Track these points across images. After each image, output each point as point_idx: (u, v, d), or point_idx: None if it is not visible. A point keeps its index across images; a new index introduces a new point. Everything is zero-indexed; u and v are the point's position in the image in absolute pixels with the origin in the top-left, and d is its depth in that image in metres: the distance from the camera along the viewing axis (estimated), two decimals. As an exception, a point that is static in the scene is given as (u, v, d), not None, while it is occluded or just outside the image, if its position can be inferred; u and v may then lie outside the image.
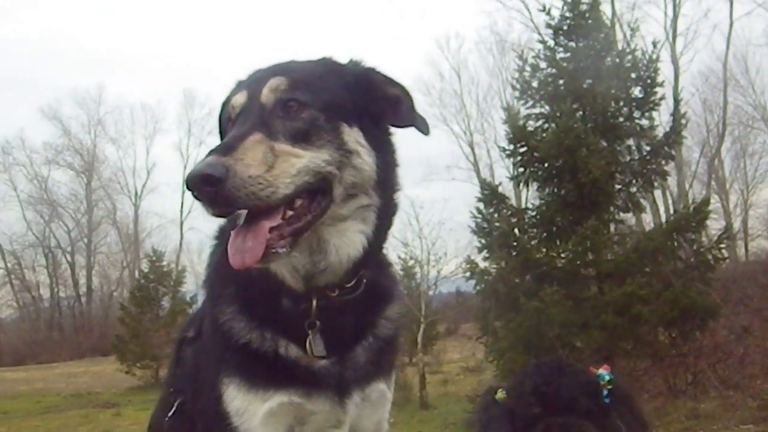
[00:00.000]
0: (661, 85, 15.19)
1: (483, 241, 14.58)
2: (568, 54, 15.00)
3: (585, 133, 13.71)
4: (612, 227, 14.88)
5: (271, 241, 2.16)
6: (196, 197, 2.12)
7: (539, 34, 32.17)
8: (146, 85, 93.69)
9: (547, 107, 15.09)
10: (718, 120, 42.42)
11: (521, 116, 15.35)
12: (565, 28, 14.90)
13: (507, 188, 21.90)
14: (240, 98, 2.41)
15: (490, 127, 50.53)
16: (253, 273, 2.32)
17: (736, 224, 40.98)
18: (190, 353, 2.71)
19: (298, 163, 2.24)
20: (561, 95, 14.52)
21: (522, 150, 14.72)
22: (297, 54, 2.61)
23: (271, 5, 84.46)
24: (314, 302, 2.40)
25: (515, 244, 14.16)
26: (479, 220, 14.59)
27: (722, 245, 14.37)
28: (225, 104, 2.54)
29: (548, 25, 15.20)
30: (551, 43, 15.23)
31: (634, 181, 14.62)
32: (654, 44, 15.01)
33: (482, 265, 14.75)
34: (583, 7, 14.73)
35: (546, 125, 15.07)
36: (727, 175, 46.96)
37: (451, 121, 49.36)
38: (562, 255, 13.93)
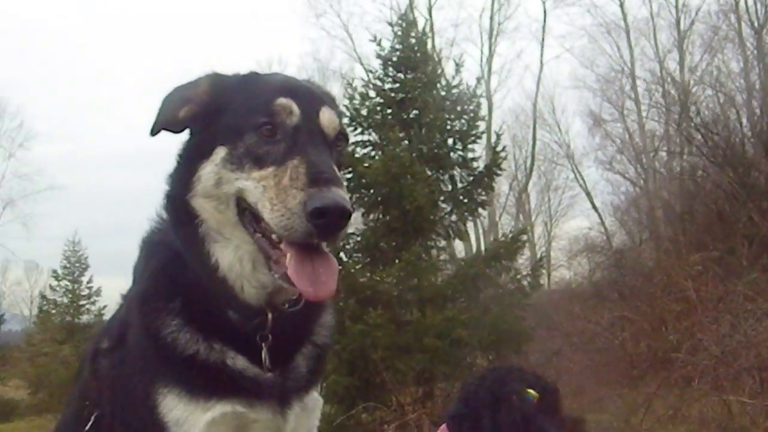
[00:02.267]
0: (483, 119, 15.93)
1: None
2: (397, 85, 15.42)
3: (411, 162, 14.10)
4: (434, 253, 15.34)
5: None
6: (319, 225, 2.10)
7: (362, 64, 33.11)
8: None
9: (375, 135, 15.46)
10: (526, 155, 44.66)
11: (349, 143, 15.60)
12: (395, 59, 15.33)
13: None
14: (295, 108, 2.34)
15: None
16: (203, 286, 2.37)
17: (539, 255, 42.92)
18: (107, 365, 2.60)
19: None
20: (389, 124, 14.90)
21: (349, 176, 14.98)
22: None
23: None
24: (269, 316, 2.42)
25: (341, 268, 14.28)
26: (305, 243, 14.69)
27: (537, 273, 15.15)
28: (261, 106, 2.38)
29: (378, 56, 15.57)
30: (380, 73, 15.62)
31: (455, 210, 15.18)
32: (478, 80, 15.73)
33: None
34: (412, 41, 15.24)
35: (373, 152, 15.43)
36: (533, 208, 49.35)
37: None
38: (387, 279, 14.19)
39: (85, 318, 31.12)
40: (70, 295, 31.41)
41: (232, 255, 2.37)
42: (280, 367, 2.49)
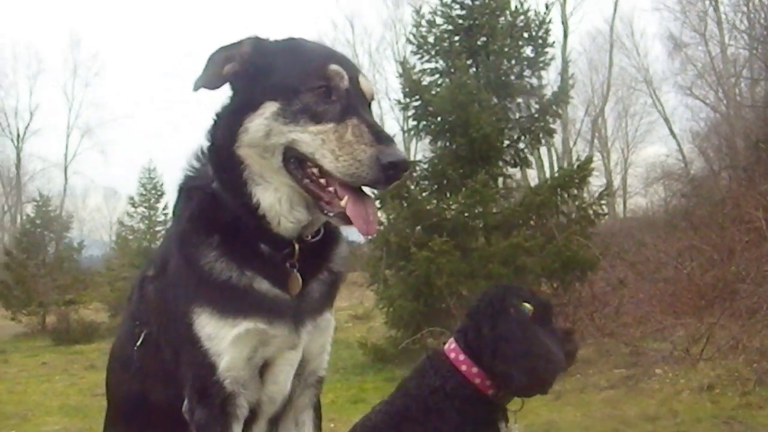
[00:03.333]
0: (552, 45, 15.69)
1: (375, 191, 14.78)
2: (464, 11, 15.30)
3: (478, 90, 14.10)
4: (500, 181, 15.38)
5: None
6: (390, 176, 2.47)
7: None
8: (29, 24, 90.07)
9: (442, 62, 15.43)
10: (602, 80, 43.89)
11: (416, 70, 15.62)
12: (461, -17, 15.18)
13: (397, 140, 22.20)
14: (344, 74, 2.66)
15: (381, 78, 50.91)
16: (238, 224, 2.74)
17: (616, 182, 42.57)
18: (153, 290, 2.98)
19: None
20: (456, 51, 14.85)
21: (416, 104, 15.04)
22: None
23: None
24: (296, 247, 2.78)
25: (407, 195, 14.48)
26: (372, 170, 14.75)
27: (603, 201, 15.08)
28: (315, 69, 2.67)
29: (444, -18, 15.42)
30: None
31: (522, 138, 15.15)
32: (546, 6, 15.45)
33: (374, 216, 14.99)
34: (480, -33, 15.03)
35: (440, 80, 15.43)
36: (609, 134, 48.59)
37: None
38: (452, 207, 14.32)
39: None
40: (146, 221, 32.22)
41: (272, 196, 2.70)
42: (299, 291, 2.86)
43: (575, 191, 14.63)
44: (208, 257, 2.76)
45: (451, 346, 3.52)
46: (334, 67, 2.64)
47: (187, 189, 2.99)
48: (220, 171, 2.78)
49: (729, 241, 14.43)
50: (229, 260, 2.75)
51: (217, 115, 2.84)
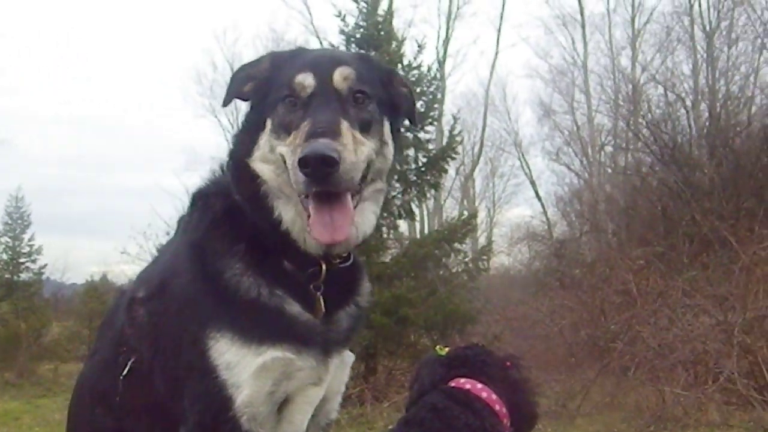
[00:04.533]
0: (440, 101, 16.06)
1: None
2: (358, 62, 15.44)
3: (368, 140, 14.21)
4: (384, 231, 15.48)
5: None
6: (307, 173, 2.31)
7: (318, 38, 33.00)
8: None
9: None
10: (474, 141, 44.90)
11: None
12: (358, 36, 15.32)
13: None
14: (309, 80, 2.57)
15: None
16: (263, 237, 2.60)
17: (482, 240, 43.39)
18: (145, 312, 2.72)
19: (365, 151, 2.52)
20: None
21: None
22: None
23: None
24: (323, 267, 2.61)
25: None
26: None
27: (484, 257, 15.41)
28: (287, 81, 2.62)
29: (341, 31, 15.53)
30: (342, 49, 15.62)
31: (408, 190, 15.32)
32: (439, 63, 15.85)
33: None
34: (378, 19, 15.25)
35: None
36: (477, 193, 49.74)
37: (220, 112, 49.04)
38: (336, 255, 14.30)
39: (24, 275, 30.58)
40: (10, 252, 30.83)
41: (293, 211, 2.57)
42: (326, 318, 2.67)
43: (457, 245, 14.89)
44: (233, 269, 2.57)
45: (477, 386, 3.49)
46: (299, 77, 2.58)
47: (204, 196, 2.84)
48: (238, 183, 2.67)
49: (600, 302, 14.98)
50: (256, 275, 2.57)
51: (242, 123, 2.82)
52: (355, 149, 2.42)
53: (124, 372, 2.69)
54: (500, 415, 3.41)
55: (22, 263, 29.86)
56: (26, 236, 30.81)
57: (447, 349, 3.71)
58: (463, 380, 3.49)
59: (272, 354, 2.50)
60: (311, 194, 2.40)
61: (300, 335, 2.57)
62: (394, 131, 2.81)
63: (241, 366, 2.46)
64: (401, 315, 13.27)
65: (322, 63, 2.65)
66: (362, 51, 2.96)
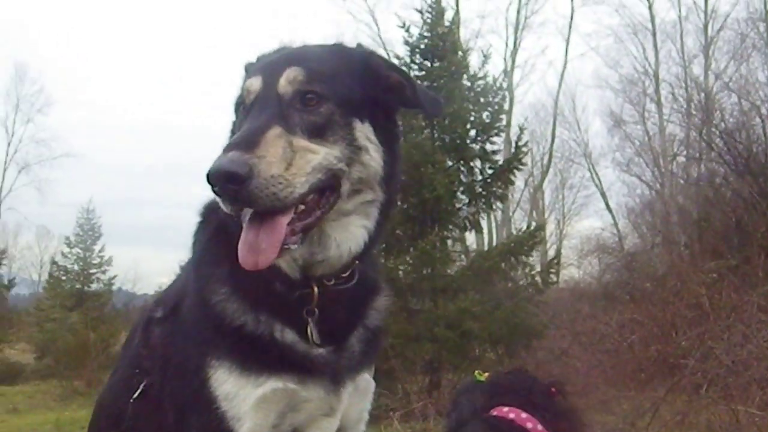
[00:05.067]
0: (506, 112, 15.89)
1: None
2: (423, 72, 15.39)
3: (433, 151, 14.11)
4: (449, 244, 15.36)
5: (284, 237, 2.17)
6: (215, 192, 2.11)
7: (385, 50, 33.00)
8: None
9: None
10: (543, 152, 44.54)
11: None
12: (422, 47, 15.29)
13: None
14: (255, 84, 2.38)
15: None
16: None
17: (551, 252, 42.88)
18: (160, 334, 2.60)
19: (314, 159, 2.25)
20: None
21: (370, 160, 14.98)
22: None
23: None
24: (315, 290, 2.41)
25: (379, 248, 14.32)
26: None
27: (551, 270, 15.15)
28: (241, 89, 2.49)
29: (406, 42, 15.51)
30: (407, 59, 15.57)
31: (473, 202, 15.17)
32: (504, 73, 15.72)
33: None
34: (442, 30, 15.19)
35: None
36: (546, 205, 49.27)
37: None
38: (401, 267, 14.23)
39: (94, 286, 31.16)
40: (81, 263, 31.49)
41: None
42: (334, 345, 2.49)
43: (524, 258, 14.69)
44: (219, 294, 2.41)
45: (522, 415, 3.30)
46: (248, 81, 2.42)
47: (206, 212, 2.70)
48: None
49: (671, 317, 14.56)
50: (240, 299, 2.39)
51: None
52: (290, 160, 2.17)
53: (135, 395, 2.57)
54: None
55: (93, 274, 30.50)
56: (97, 247, 31.61)
57: (486, 374, 3.51)
58: (506, 409, 3.30)
59: (273, 385, 2.35)
60: (251, 216, 2.22)
61: (302, 364, 2.41)
62: (384, 133, 2.51)
63: (240, 397, 2.33)
64: (465, 329, 13.12)
65: (276, 65, 2.43)
66: (337, 43, 2.61)
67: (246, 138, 2.16)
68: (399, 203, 14.54)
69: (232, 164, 2.05)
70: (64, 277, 31.66)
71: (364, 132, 2.43)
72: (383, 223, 2.56)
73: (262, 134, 2.18)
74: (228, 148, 2.11)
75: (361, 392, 2.67)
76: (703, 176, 26.25)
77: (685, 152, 34.57)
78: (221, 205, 2.17)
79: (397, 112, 2.65)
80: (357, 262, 2.51)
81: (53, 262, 34.23)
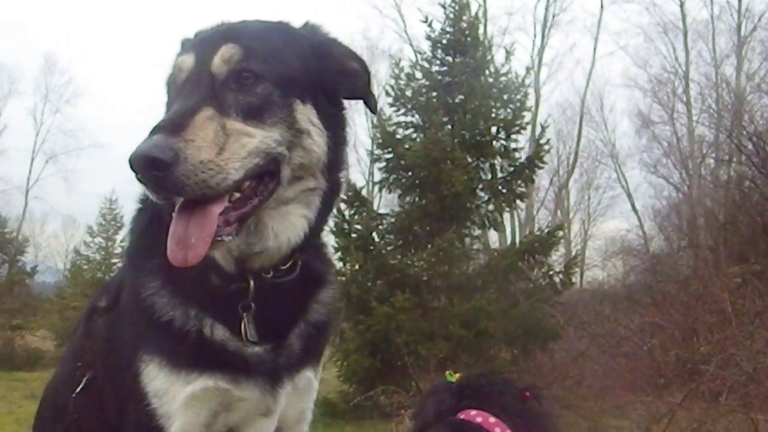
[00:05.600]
0: (529, 110, 15.68)
1: (340, 241, 14.46)
2: (444, 68, 15.27)
3: (452, 147, 13.95)
4: (467, 242, 15.19)
5: (217, 228, 2.01)
6: (139, 180, 1.93)
7: (411, 45, 32.91)
8: (3, 44, 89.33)
9: (417, 117, 15.30)
10: (569, 151, 44.14)
11: (391, 123, 15.45)
12: (444, 42, 15.19)
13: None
14: (187, 62, 2.20)
15: (350, 130, 50.82)
16: None
17: (575, 253, 42.60)
18: (102, 325, 2.47)
19: (250, 143, 2.07)
20: (433, 107, 14.73)
21: (388, 156, 14.86)
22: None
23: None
24: (251, 283, 2.25)
25: (372, 248, 14.23)
26: (338, 220, 14.50)
27: (571, 271, 14.94)
28: (172, 67, 2.31)
29: (428, 37, 15.40)
30: (429, 54, 15.43)
31: (493, 200, 14.99)
32: (527, 70, 15.49)
33: (337, 266, 14.68)
34: (464, 25, 15.03)
35: (415, 135, 15.30)
36: (571, 205, 48.89)
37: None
38: (417, 263, 14.09)
39: (115, 275, 31.38)
40: (103, 252, 31.65)
41: None
42: (272, 342, 2.34)
43: (542, 258, 14.50)
44: (149, 288, 2.27)
45: (490, 420, 3.12)
46: (179, 58, 2.24)
47: (144, 199, 2.51)
48: None
49: (692, 321, 14.29)
50: (170, 294, 2.25)
51: None
52: (222, 144, 1.98)
53: (78, 389, 2.44)
54: None
55: (114, 263, 30.57)
56: (118, 237, 31.62)
57: (458, 375, 3.31)
58: (473, 412, 3.12)
59: (203, 383, 2.21)
60: (181, 205, 2.04)
61: (235, 363, 2.25)
62: (328, 117, 2.31)
63: (170, 395, 2.20)
64: (480, 328, 12.97)
65: (210, 41, 2.24)
66: (281, 21, 2.46)
67: (173, 120, 1.98)
68: (417, 199, 14.41)
69: (155, 149, 1.88)
70: (85, 266, 31.82)
71: (306, 114, 2.24)
72: (325, 212, 2.37)
73: (191, 116, 1.99)
74: (153, 132, 1.94)
75: (301, 391, 2.50)
76: (732, 179, 25.91)
77: (714, 154, 34.15)
78: (148, 193, 2.00)
79: (342, 97, 2.45)
80: (297, 253, 2.33)
81: (75, 251, 34.41)
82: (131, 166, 1.90)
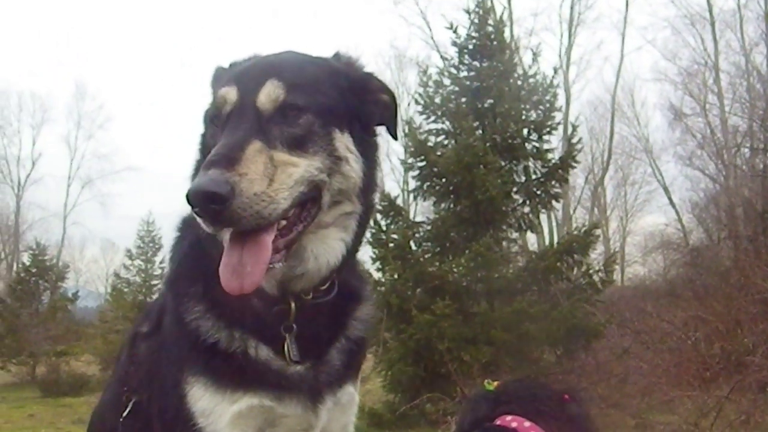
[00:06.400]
0: (559, 110, 15.67)
1: (377, 251, 14.53)
2: (472, 73, 15.30)
3: (484, 152, 13.96)
4: (505, 245, 15.20)
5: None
6: (197, 213, 2.04)
7: (438, 52, 32.93)
8: (35, 74, 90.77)
9: (448, 124, 15.35)
10: (603, 149, 43.98)
11: (422, 131, 15.51)
12: (470, 47, 15.21)
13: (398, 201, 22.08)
14: (231, 94, 2.28)
15: (383, 140, 50.97)
16: None
17: (614, 250, 42.37)
18: (146, 350, 2.59)
19: (296, 173, 2.17)
20: (462, 113, 14.75)
21: (421, 164, 14.91)
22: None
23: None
24: (292, 305, 2.36)
25: (409, 256, 14.28)
26: (375, 231, 14.57)
27: (610, 268, 14.90)
28: (213, 98, 2.41)
29: (454, 43, 15.43)
30: (455, 61, 15.48)
31: (527, 202, 15.00)
32: (555, 70, 15.49)
33: (375, 276, 14.75)
34: (489, 29, 15.07)
35: (446, 141, 15.35)
36: (608, 202, 48.60)
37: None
38: (455, 270, 14.11)
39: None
40: (142, 274, 31.95)
41: None
42: (313, 360, 2.44)
43: (580, 257, 14.47)
44: (193, 312, 2.38)
45: (525, 424, 3.19)
46: (222, 90, 2.31)
47: (183, 226, 2.65)
48: None
49: (735, 313, 14.19)
50: (215, 317, 2.36)
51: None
52: (272, 175, 2.09)
53: (125, 414, 2.56)
54: None
55: (154, 285, 30.85)
56: (157, 259, 31.92)
57: (496, 383, 3.38)
58: (509, 417, 3.18)
59: (248, 402, 2.32)
60: (231, 236, 2.14)
61: (278, 381, 2.36)
62: (363, 144, 2.44)
63: (216, 414, 2.31)
64: (522, 330, 12.98)
65: (252, 75, 2.34)
66: (322, 57, 2.55)
67: (225, 154, 2.07)
68: (452, 205, 14.45)
69: (213, 184, 1.98)
70: (126, 289, 32.13)
71: (344, 142, 2.36)
72: (361, 234, 2.49)
73: (241, 150, 2.09)
74: (208, 166, 2.03)
75: (343, 406, 2.60)
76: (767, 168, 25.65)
77: (749, 143, 33.80)
78: (203, 225, 2.10)
79: (374, 125, 2.57)
80: (335, 274, 2.44)
81: (115, 275, 34.80)
82: (189, 201, 2.00)
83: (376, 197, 2.60)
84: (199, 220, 2.08)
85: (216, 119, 2.34)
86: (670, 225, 38.53)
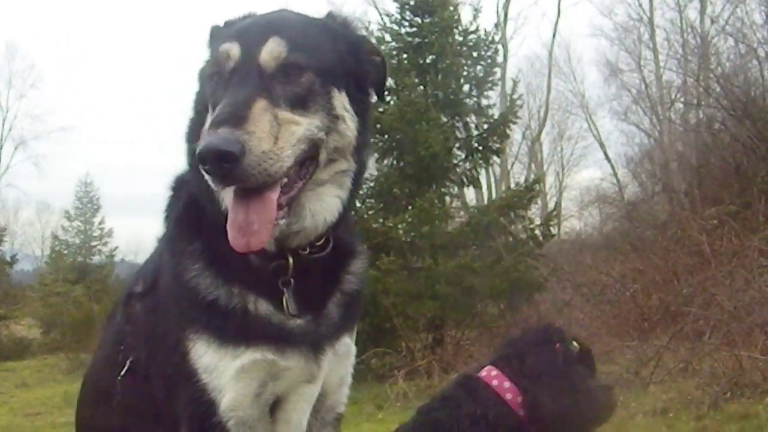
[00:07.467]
0: (499, 66, 15.74)
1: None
2: (413, 29, 15.25)
3: (426, 108, 14.00)
4: (447, 201, 15.32)
5: None
6: (206, 171, 2.05)
7: (376, 7, 32.70)
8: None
9: (390, 80, 15.31)
10: (540, 104, 44.32)
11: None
12: (412, 3, 15.15)
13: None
14: (234, 51, 2.28)
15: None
16: (222, 229, 2.23)
17: (551, 204, 42.94)
18: (142, 309, 2.60)
19: (298, 131, 2.20)
20: (404, 69, 14.74)
21: (364, 121, 14.88)
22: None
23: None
24: (290, 261, 2.39)
25: (354, 213, 14.29)
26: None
27: (550, 223, 15.12)
28: (213, 55, 2.42)
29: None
30: (397, 17, 15.42)
31: (470, 157, 15.09)
32: (496, 26, 15.54)
33: (320, 233, 14.69)
34: (431, -16, 15.03)
35: (389, 98, 15.32)
36: (545, 157, 49.11)
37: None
38: (399, 226, 14.19)
39: (96, 259, 31.16)
40: (81, 236, 31.49)
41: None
42: (312, 313, 2.48)
43: (522, 212, 14.66)
44: (191, 270, 2.39)
45: (492, 373, 3.27)
46: (223, 47, 2.31)
47: (176, 186, 2.66)
48: (190, 168, 2.44)
49: (672, 265, 14.52)
50: (213, 274, 2.38)
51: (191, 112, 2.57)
52: (276, 133, 2.11)
53: (123, 372, 2.57)
54: (512, 405, 3.19)
55: (94, 246, 30.49)
56: (96, 220, 31.52)
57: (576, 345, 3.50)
58: (494, 372, 3.29)
59: (251, 356, 2.35)
60: (234, 193, 2.17)
61: (279, 335, 2.39)
62: (358, 103, 2.46)
63: (220, 369, 2.33)
64: (466, 285, 13.13)
65: (254, 32, 2.35)
66: (320, 18, 2.56)
67: (233, 113, 2.08)
68: (395, 162, 14.48)
69: (225, 143, 2.00)
70: (65, 251, 31.68)
71: (341, 101, 2.39)
72: (355, 191, 2.53)
73: (248, 108, 2.10)
74: (217, 124, 2.05)
75: (341, 357, 2.66)
76: (701, 122, 26.11)
77: (682, 99, 34.34)
78: (210, 183, 2.13)
79: (368, 86, 2.60)
80: (331, 230, 2.48)
81: (54, 237, 34.28)
82: (200, 159, 2.01)
83: (369, 155, 2.64)
84: (207, 177, 2.08)
85: (216, 76, 2.33)
86: (606, 179, 39.12)
